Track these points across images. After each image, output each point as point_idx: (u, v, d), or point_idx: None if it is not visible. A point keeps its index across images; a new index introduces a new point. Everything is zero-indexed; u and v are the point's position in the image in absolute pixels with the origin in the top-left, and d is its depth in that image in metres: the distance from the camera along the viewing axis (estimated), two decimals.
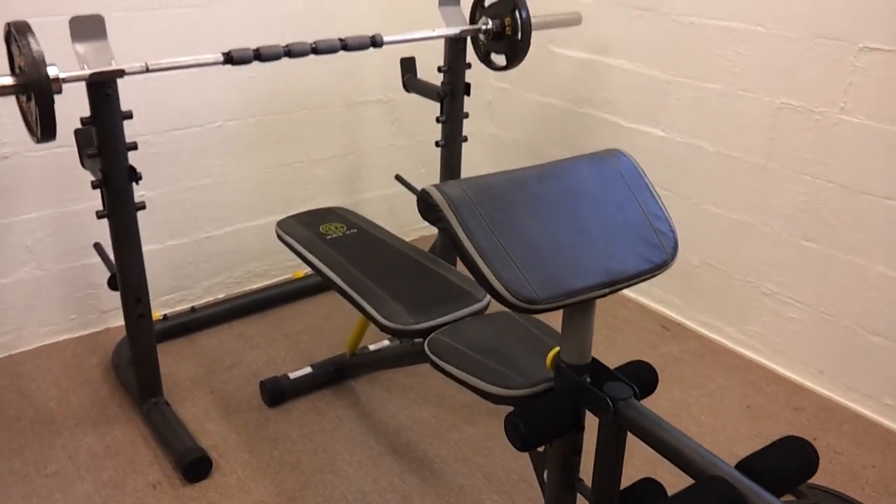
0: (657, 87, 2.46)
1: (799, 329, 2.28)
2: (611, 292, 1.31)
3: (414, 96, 2.49)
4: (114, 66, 1.67)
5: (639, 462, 1.92)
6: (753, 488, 1.14)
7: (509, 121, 3.04)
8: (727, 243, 2.39)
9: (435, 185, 1.30)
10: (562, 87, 2.78)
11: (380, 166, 2.89)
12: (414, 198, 2.58)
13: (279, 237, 2.06)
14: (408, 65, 2.42)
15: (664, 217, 1.42)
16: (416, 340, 1.84)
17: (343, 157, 2.78)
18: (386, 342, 2.33)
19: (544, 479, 1.57)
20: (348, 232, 2.06)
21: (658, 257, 1.36)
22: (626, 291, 2.75)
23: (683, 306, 2.58)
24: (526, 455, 2.00)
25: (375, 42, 2.03)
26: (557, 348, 1.44)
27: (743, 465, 1.19)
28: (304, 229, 2.06)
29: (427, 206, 1.30)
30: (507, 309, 1.26)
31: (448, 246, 2.47)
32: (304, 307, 2.63)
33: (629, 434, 1.33)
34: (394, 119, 2.85)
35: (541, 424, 1.34)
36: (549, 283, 1.25)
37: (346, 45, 1.98)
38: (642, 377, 1.41)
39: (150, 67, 1.72)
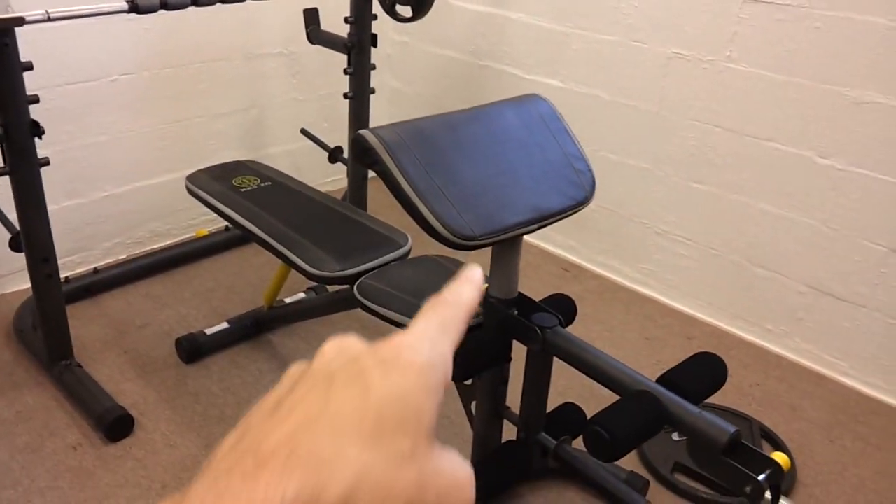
0: (555, 40, 2.55)
1: (689, 265, 2.46)
2: (538, 228, 1.39)
3: (315, 49, 2.47)
4: (11, 14, 1.59)
5: (552, 395, 2.03)
6: (675, 399, 1.26)
7: (410, 74, 3.07)
8: (622, 188, 2.54)
9: (370, 129, 1.33)
10: (462, 41, 2.83)
11: (282, 120, 2.86)
12: (319, 151, 2.59)
13: (190, 192, 2.03)
14: (311, 16, 2.39)
15: (582, 157, 1.50)
16: (342, 288, 1.86)
17: (244, 112, 2.73)
18: (301, 295, 2.34)
19: (472, 410, 1.65)
20: (262, 184, 2.05)
21: (579, 194, 1.45)
22: (527, 238, 2.86)
23: (582, 249, 2.72)
24: (450, 394, 2.08)
25: None
26: (485, 285, 1.51)
27: (663, 380, 1.31)
28: (217, 183, 2.03)
29: (363, 150, 1.33)
30: (445, 247, 1.32)
31: (359, 197, 2.49)
32: (211, 265, 2.59)
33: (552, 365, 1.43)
34: (295, 73, 2.82)
35: (473, 356, 1.41)
36: (484, 220, 1.31)
37: None
38: (564, 308, 1.51)
39: (52, 16, 1.64)
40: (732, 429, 1.20)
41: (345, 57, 2.33)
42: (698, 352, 1.39)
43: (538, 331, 1.41)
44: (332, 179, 3.04)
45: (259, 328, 2.23)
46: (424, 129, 1.37)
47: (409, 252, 1.82)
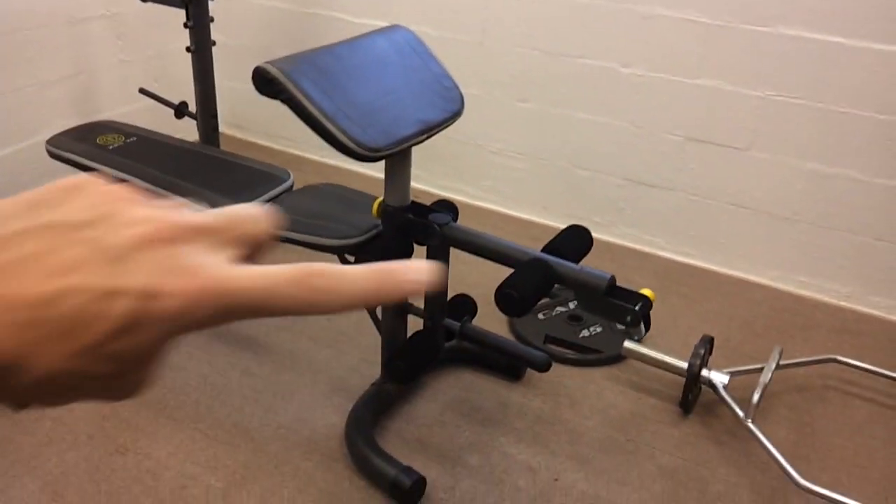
0: None
1: (523, 176, 2.78)
2: (426, 138, 1.60)
3: (137, 9, 2.48)
4: None
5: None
6: (560, 261, 1.54)
7: (236, 28, 3.11)
8: None
9: (269, 62, 1.46)
10: None
11: (114, 84, 2.81)
12: (159, 111, 2.61)
13: (54, 155, 2.02)
14: None
15: (448, 76, 1.72)
16: None
17: (74, 78, 2.67)
18: None
19: (377, 314, 1.85)
20: (128, 140, 2.08)
21: (453, 107, 1.67)
22: (371, 173, 3.05)
23: (427, 176, 2.96)
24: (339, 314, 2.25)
25: None
26: (381, 198, 1.71)
27: (546, 249, 1.59)
28: (81, 144, 2.04)
29: (265, 82, 1.46)
30: (353, 159, 1.49)
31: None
32: None
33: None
34: (119, 34, 2.78)
35: (383, 257, 1.61)
36: (384, 134, 1.50)
37: None
38: (451, 209, 1.74)
39: None
40: (608, 275, 1.50)
41: (169, 16, 2.37)
42: (570, 224, 1.68)
43: (437, 227, 1.63)
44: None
45: None
46: (315, 60, 1.52)
47: (293, 185, 1.96)
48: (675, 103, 2.43)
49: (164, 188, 1.86)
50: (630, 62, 2.45)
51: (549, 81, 2.59)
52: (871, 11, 2.08)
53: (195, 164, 1.98)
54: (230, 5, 3.06)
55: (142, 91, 2.58)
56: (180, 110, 2.56)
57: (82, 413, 1.85)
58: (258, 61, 3.18)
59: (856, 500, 1.63)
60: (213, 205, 1.74)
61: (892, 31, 2.08)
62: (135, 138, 2.09)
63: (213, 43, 2.46)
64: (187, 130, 2.76)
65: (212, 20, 2.43)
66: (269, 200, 1.85)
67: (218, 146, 2.58)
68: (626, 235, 2.69)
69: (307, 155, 3.21)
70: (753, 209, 2.45)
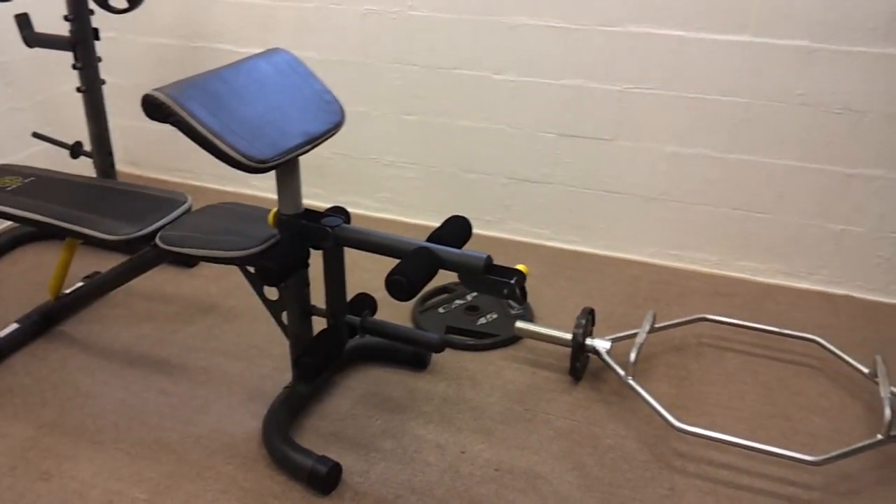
0: (261, 14, 2.86)
1: (416, 185, 2.95)
2: (311, 148, 1.74)
3: (23, 57, 2.53)
4: None
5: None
6: (443, 248, 1.70)
7: (125, 68, 3.17)
8: (348, 132, 2.94)
9: (157, 89, 1.58)
10: (172, 27, 3.02)
11: (5, 131, 2.84)
12: (55, 153, 2.66)
13: None
14: (23, 21, 2.45)
15: (328, 91, 1.87)
16: (140, 252, 2.04)
17: None
18: (80, 283, 2.44)
19: (283, 320, 1.97)
20: (26, 181, 2.14)
21: (334, 119, 1.82)
22: (267, 195, 3.16)
23: (324, 193, 3.09)
24: (250, 327, 2.36)
25: None
26: (275, 209, 1.83)
27: (431, 238, 1.75)
28: None
29: (154, 108, 1.58)
30: (242, 171, 1.62)
31: None
32: None
33: (344, 258, 1.79)
34: (8, 81, 2.81)
35: (284, 260, 1.73)
36: (271, 146, 1.63)
37: None
38: (342, 213, 1.88)
39: None
40: (485, 255, 1.67)
41: (59, 58, 2.45)
42: (451, 215, 1.84)
43: (329, 230, 1.77)
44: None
45: (48, 322, 2.31)
46: (201, 84, 1.64)
47: (191, 207, 2.06)
48: (546, 103, 2.65)
49: (67, 221, 1.93)
50: (501, 69, 2.65)
51: (430, 94, 2.77)
52: (705, 7, 2.35)
53: (95, 197, 2.06)
54: (115, 44, 3.13)
55: (35, 135, 2.63)
56: (75, 150, 2.62)
57: (3, 447, 1.90)
58: None
59: (728, 435, 1.84)
60: (117, 231, 1.83)
61: (724, 23, 2.35)
62: (33, 178, 2.15)
63: (103, 82, 2.54)
64: (84, 170, 2.81)
65: (99, 60, 2.51)
66: (170, 222, 1.95)
67: None
68: (514, 230, 2.89)
69: (205, 185, 3.29)
70: (625, 193, 2.69)
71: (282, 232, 1.82)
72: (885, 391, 1.86)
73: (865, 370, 2.07)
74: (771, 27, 2.30)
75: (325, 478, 1.76)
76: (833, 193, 2.45)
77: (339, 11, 2.76)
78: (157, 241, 1.87)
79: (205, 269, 2.69)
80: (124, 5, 2.48)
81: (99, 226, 1.91)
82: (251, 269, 1.90)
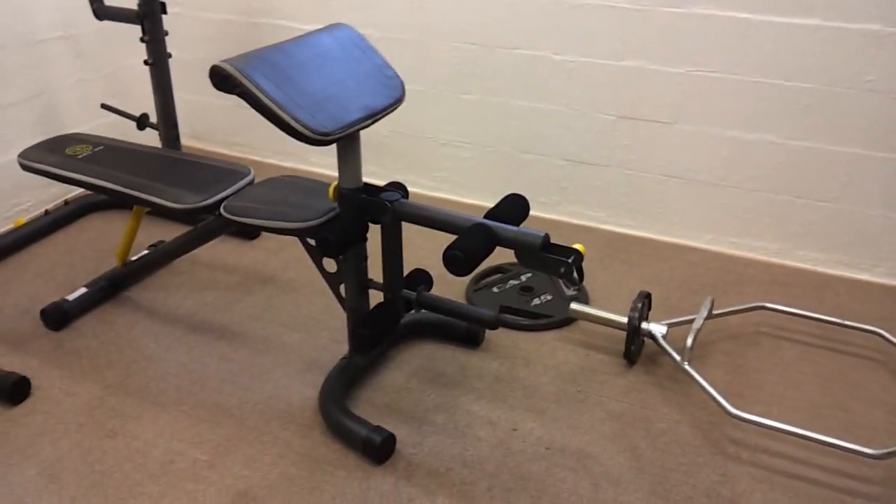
0: None
1: (472, 165, 2.96)
2: (372, 122, 1.76)
3: (93, 30, 2.60)
4: None
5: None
6: (500, 225, 1.71)
7: (190, 43, 3.24)
8: (405, 110, 2.96)
9: (224, 60, 1.61)
10: (233, 3, 3.07)
11: (74, 102, 2.94)
12: (122, 124, 2.74)
13: (27, 168, 2.14)
14: None
15: (389, 66, 1.89)
16: (205, 218, 2.09)
17: (36, 98, 2.78)
18: (145, 252, 2.52)
19: (341, 292, 2.00)
20: (96, 150, 2.21)
21: (395, 94, 1.84)
22: (324, 171, 3.20)
23: (381, 171, 3.12)
24: (307, 299, 2.40)
25: None
26: (335, 183, 1.86)
27: (488, 215, 1.76)
28: (52, 155, 2.16)
29: (221, 79, 1.61)
30: (306, 144, 1.65)
31: None
32: (41, 249, 2.66)
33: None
34: (78, 53, 2.90)
35: (344, 232, 1.76)
36: (333, 119, 1.66)
37: None
38: (401, 188, 1.90)
39: None
40: (542, 233, 1.67)
41: (125, 33, 2.51)
42: (509, 193, 1.85)
43: (388, 204, 1.79)
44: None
45: (115, 287, 2.39)
46: (266, 56, 1.67)
47: (253, 179, 2.10)
48: (605, 85, 2.62)
49: (135, 189, 1.99)
50: (561, 50, 2.63)
51: (488, 73, 2.77)
52: None
53: (162, 167, 2.11)
54: (181, 20, 3.20)
55: (104, 106, 2.71)
56: (142, 122, 2.69)
57: (71, 405, 1.98)
58: None
59: (783, 423, 1.82)
60: (183, 200, 1.88)
61: (792, 5, 2.29)
62: (102, 147, 2.22)
63: (170, 55, 2.60)
64: (149, 142, 2.89)
65: (166, 34, 2.56)
66: (233, 193, 1.99)
67: None
68: (570, 213, 2.88)
69: (265, 159, 3.35)
70: (684, 178, 2.65)
71: (341, 205, 1.85)
72: None
73: None
74: (841, 10, 2.24)
75: (380, 447, 1.79)
76: None
77: None
78: (222, 210, 1.92)
79: (265, 240, 2.74)
80: None
81: (166, 195, 1.97)
82: (311, 242, 1.94)
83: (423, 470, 1.80)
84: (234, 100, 3.22)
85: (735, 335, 2.28)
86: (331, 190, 1.86)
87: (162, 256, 2.33)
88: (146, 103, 2.84)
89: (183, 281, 2.50)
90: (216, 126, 3.39)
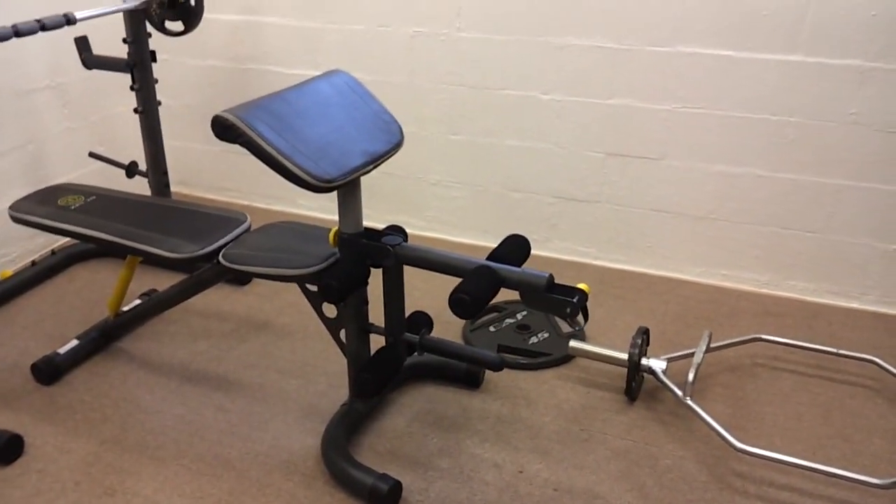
0: (310, 36, 2.91)
1: (462, 204, 2.97)
2: (373, 167, 1.76)
3: (80, 79, 2.59)
4: None
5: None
6: (503, 266, 1.71)
7: (176, 89, 3.24)
8: None
9: (226, 111, 1.61)
10: (221, 50, 3.08)
11: (62, 151, 2.91)
12: (110, 172, 2.72)
13: (17, 220, 2.11)
14: (83, 44, 2.52)
15: (386, 111, 1.90)
16: (201, 267, 2.07)
17: (22, 148, 2.76)
18: (137, 301, 2.49)
19: (342, 338, 1.99)
20: (89, 200, 2.19)
21: (394, 139, 1.85)
22: (316, 214, 3.20)
23: (373, 214, 3.12)
24: (303, 345, 2.38)
25: (69, 19, 2.15)
26: (335, 228, 1.86)
27: (491, 257, 1.76)
28: (44, 207, 2.14)
29: (224, 129, 1.61)
30: (309, 191, 1.65)
31: None
32: (28, 301, 2.61)
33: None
34: (65, 103, 2.89)
35: (347, 277, 1.75)
36: (335, 166, 1.66)
37: (44, 26, 2.08)
38: (401, 231, 1.90)
39: None
40: (547, 274, 1.68)
41: (111, 81, 2.51)
42: (509, 234, 1.86)
43: (390, 248, 1.79)
44: None
45: (107, 338, 2.35)
46: (266, 105, 1.68)
47: (250, 226, 2.09)
48: (593, 123, 2.66)
49: (132, 239, 1.97)
50: (549, 89, 2.67)
51: (477, 113, 2.80)
52: (753, 27, 2.35)
53: (156, 216, 2.10)
54: (167, 66, 3.20)
55: (91, 155, 2.69)
56: (131, 170, 2.67)
57: (66, 462, 1.93)
58: (200, 119, 3.34)
59: (788, 456, 1.83)
60: (180, 249, 1.86)
61: (775, 43, 2.35)
62: (94, 197, 2.20)
63: (159, 103, 2.60)
64: (138, 189, 2.87)
65: (156, 81, 2.57)
66: (230, 241, 1.98)
67: None
68: (561, 249, 2.90)
69: (253, 204, 3.34)
70: (673, 213, 2.69)
71: (342, 250, 1.84)
72: None
73: None
74: (823, 47, 2.30)
75: (387, 495, 1.77)
76: (883, 213, 2.43)
77: (387, 33, 2.80)
78: (221, 259, 1.91)
79: (257, 287, 2.72)
80: (180, 28, 2.53)
81: (163, 244, 1.95)
82: (311, 287, 1.92)
83: None
84: (221, 145, 3.22)
85: (733, 367, 2.30)
86: (331, 235, 1.85)
87: (156, 306, 2.30)
88: (133, 151, 2.83)
89: (176, 330, 2.47)
90: (203, 172, 3.38)
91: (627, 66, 2.54)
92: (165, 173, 2.67)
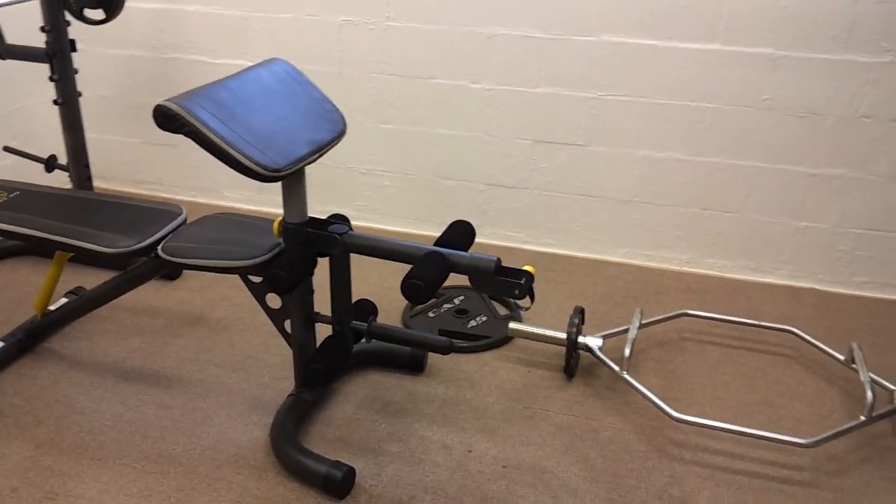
0: (235, 25, 2.86)
1: (393, 193, 2.99)
2: (318, 157, 1.76)
3: None
4: None
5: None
6: (451, 251, 1.74)
7: (93, 80, 3.12)
8: None
9: (168, 100, 1.58)
10: (142, 39, 2.98)
11: None
12: (26, 166, 2.60)
13: None
14: None
15: (327, 100, 1.90)
16: (139, 261, 2.02)
17: None
18: (63, 300, 2.40)
19: (286, 328, 1.98)
20: (12, 196, 2.09)
21: (337, 127, 1.85)
22: (243, 206, 3.15)
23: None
24: (240, 338, 2.35)
25: None
26: (280, 217, 1.85)
27: (438, 242, 1.79)
28: None
29: (167, 118, 1.58)
30: (257, 180, 1.63)
31: None
32: None
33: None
34: None
35: (294, 268, 1.75)
36: (282, 155, 1.65)
37: None
38: (345, 220, 1.91)
39: None
40: (495, 258, 1.72)
41: (25, 71, 2.39)
42: (455, 220, 1.89)
43: (338, 237, 1.80)
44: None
45: (34, 339, 2.26)
46: (208, 94, 1.65)
47: (186, 219, 2.05)
48: (522, 111, 2.72)
49: (64, 235, 1.90)
50: (478, 78, 2.72)
51: (407, 102, 2.82)
52: (677, 16, 2.46)
53: (87, 210, 2.03)
54: (83, 57, 3.08)
55: (6, 149, 2.57)
56: (50, 164, 2.57)
57: (1, 468, 1.85)
58: (119, 111, 3.23)
59: (719, 422, 1.94)
60: (116, 244, 1.81)
61: (695, 32, 2.46)
62: (18, 192, 2.11)
63: (80, 94, 2.50)
64: (58, 184, 2.76)
65: (76, 72, 2.47)
66: (168, 234, 1.94)
67: None
68: (493, 235, 2.95)
69: (178, 197, 3.26)
70: (599, 197, 2.78)
71: (288, 240, 1.84)
72: (864, 376, 1.98)
73: (841, 357, 2.20)
74: (739, 36, 2.43)
75: (341, 482, 1.78)
76: (796, 192, 2.59)
77: (315, 22, 2.78)
78: (160, 252, 1.86)
79: (188, 281, 2.67)
80: (101, 16, 2.45)
81: (98, 239, 1.89)
82: (253, 278, 1.91)
83: (385, 500, 1.80)
84: (142, 137, 3.13)
85: (661, 342, 2.41)
86: (275, 225, 1.84)
87: (87, 304, 2.22)
88: (49, 144, 2.72)
89: (106, 328, 2.39)
90: (123, 165, 3.27)
91: (554, 56, 2.61)
92: (87, 167, 2.57)
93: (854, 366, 2.08)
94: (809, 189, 2.57)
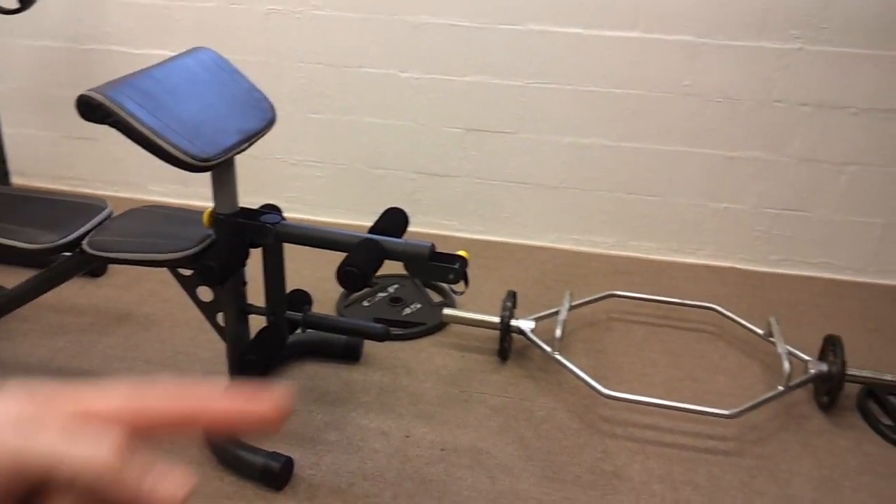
0: (157, 14, 2.79)
1: (324, 183, 2.97)
2: (248, 146, 1.75)
3: None
4: None
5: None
6: (386, 238, 1.76)
7: (8, 72, 2.99)
8: None
9: (91, 90, 1.54)
10: (57, 29, 2.88)
11: None
12: None
13: None
14: None
15: (256, 88, 1.89)
16: (62, 258, 1.96)
17: None
18: None
19: (219, 322, 1.96)
20: None
21: (267, 116, 1.84)
22: (166, 199, 3.09)
23: None
24: (170, 333, 2.31)
25: None
26: (210, 208, 1.83)
27: (373, 230, 1.80)
28: None
29: (91, 108, 1.54)
30: (185, 170, 1.61)
31: None
32: None
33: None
34: None
35: (226, 259, 1.73)
36: (211, 145, 1.63)
37: None
38: (276, 210, 1.90)
39: None
40: (429, 244, 1.74)
41: None
42: (388, 207, 1.90)
43: (271, 227, 1.79)
44: None
45: None
46: (133, 83, 1.62)
47: (111, 212, 2.00)
48: (451, 100, 2.74)
49: None
50: (407, 67, 2.73)
51: (336, 92, 2.81)
52: (600, 6, 2.52)
53: (5, 206, 1.96)
54: None
55: None
56: None
57: None
58: (35, 104, 3.12)
59: (648, 397, 2.01)
60: (38, 240, 1.76)
61: (617, 21, 2.53)
62: None
63: None
64: None
65: None
66: (93, 228, 1.89)
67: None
68: (424, 223, 2.97)
69: (100, 192, 3.16)
70: (528, 183, 2.83)
71: (219, 231, 1.81)
72: (781, 348, 2.08)
73: (760, 332, 2.31)
74: (658, 24, 2.51)
75: (279, 473, 1.78)
76: (716, 175, 2.69)
77: (240, 11, 2.74)
78: (85, 247, 1.82)
79: (113, 277, 2.60)
80: (15, 6, 2.36)
81: (17, 235, 1.83)
82: (183, 272, 1.88)
83: (324, 489, 1.81)
84: (60, 131, 3.03)
85: (590, 323, 2.47)
86: (206, 216, 1.82)
87: (8, 303, 2.15)
88: None
89: (29, 328, 2.32)
90: (41, 161, 3.15)
91: (482, 44, 2.64)
92: (4, 161, 2.48)
93: (772, 339, 2.19)
94: (728, 172, 2.68)
